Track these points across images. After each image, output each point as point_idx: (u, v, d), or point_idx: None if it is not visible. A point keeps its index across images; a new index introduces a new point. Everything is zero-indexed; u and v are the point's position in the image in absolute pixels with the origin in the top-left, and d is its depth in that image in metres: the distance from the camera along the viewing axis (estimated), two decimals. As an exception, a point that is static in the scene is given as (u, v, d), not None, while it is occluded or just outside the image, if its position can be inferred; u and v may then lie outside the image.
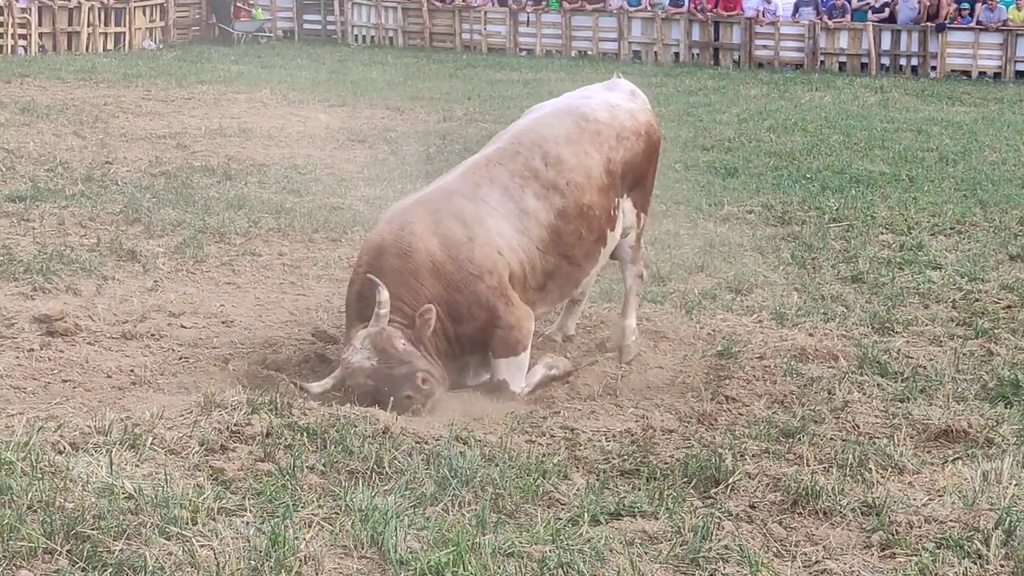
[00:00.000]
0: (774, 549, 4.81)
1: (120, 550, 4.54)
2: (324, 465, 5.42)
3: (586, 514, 5.01)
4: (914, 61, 26.81)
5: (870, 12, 27.30)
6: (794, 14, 27.87)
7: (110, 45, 28.25)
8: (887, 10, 27.26)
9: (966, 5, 26.62)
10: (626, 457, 5.68)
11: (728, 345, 7.44)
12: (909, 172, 13.78)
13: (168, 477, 5.13)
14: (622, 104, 7.43)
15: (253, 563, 4.47)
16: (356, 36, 31.98)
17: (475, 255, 6.61)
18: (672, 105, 20.15)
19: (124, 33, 28.76)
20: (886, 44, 27.03)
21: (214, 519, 4.81)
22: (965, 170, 14.07)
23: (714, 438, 5.96)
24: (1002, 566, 4.67)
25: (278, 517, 4.77)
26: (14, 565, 4.43)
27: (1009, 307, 8.45)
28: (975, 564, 4.66)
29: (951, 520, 5.02)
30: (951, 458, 5.77)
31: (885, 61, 27.01)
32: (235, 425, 5.77)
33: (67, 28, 27.59)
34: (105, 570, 4.40)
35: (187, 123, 16.37)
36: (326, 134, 15.65)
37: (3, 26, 26.03)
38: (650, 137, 7.43)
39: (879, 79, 25.31)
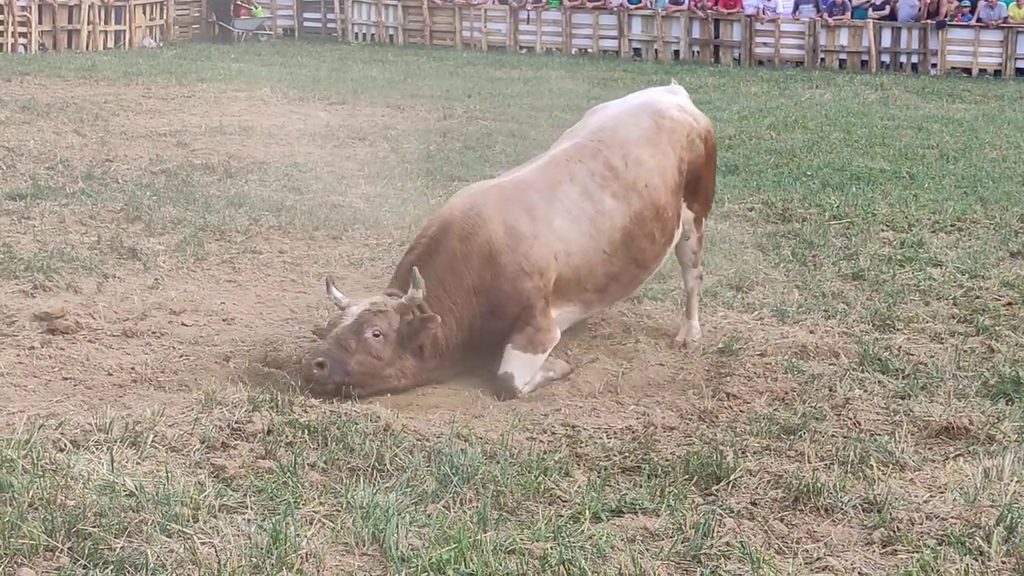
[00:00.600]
0: (775, 546, 4.81)
1: (121, 548, 4.55)
2: (325, 462, 5.42)
3: (587, 511, 5.01)
4: (914, 58, 26.81)
5: (870, 9, 27.29)
6: (794, 11, 27.87)
7: (110, 43, 28.24)
8: (887, 7, 27.26)
9: (966, 2, 26.63)
10: (627, 454, 5.69)
11: (729, 342, 7.44)
12: (910, 169, 13.78)
13: (169, 475, 5.14)
14: (687, 107, 7.63)
15: (254, 560, 4.47)
16: (356, 34, 31.98)
17: (533, 252, 6.73)
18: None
19: (124, 31, 28.76)
20: (886, 41, 27.03)
21: (215, 516, 4.81)
22: (965, 167, 14.07)
23: (715, 435, 5.96)
24: (1003, 563, 4.68)
25: (279, 514, 4.77)
26: (15, 563, 4.44)
27: (1010, 304, 8.45)
28: (976, 561, 4.66)
29: (952, 517, 5.02)
30: (952, 455, 5.77)
31: (885, 58, 27.00)
32: (236, 422, 5.78)
33: (67, 26, 27.58)
34: (106, 568, 4.40)
35: (187, 121, 16.37)
36: (326, 132, 15.65)
37: (3, 24, 26.02)
38: (708, 142, 7.61)
39: (879, 76, 25.31)
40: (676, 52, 28.54)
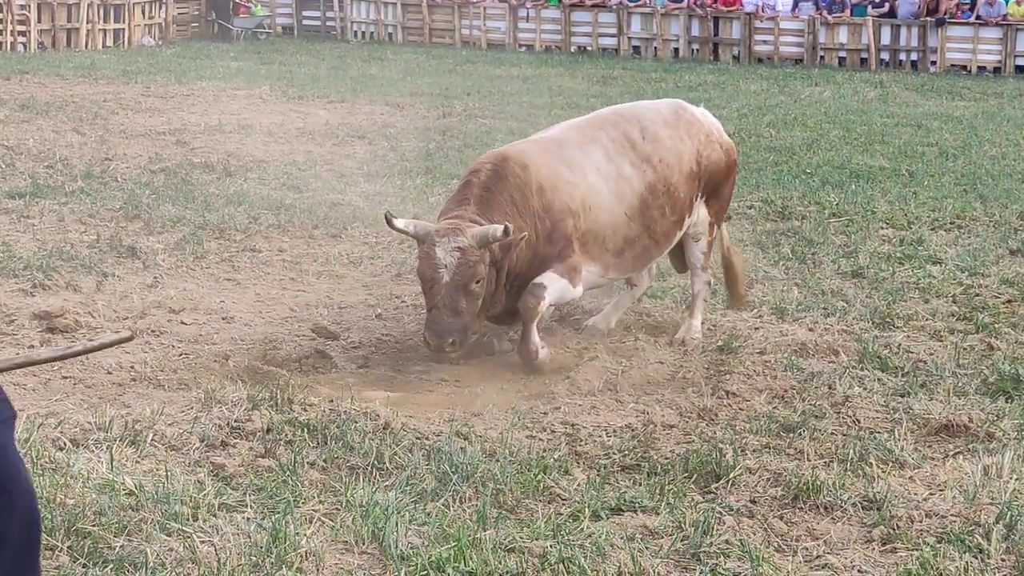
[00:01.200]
0: (775, 544, 4.81)
1: (121, 546, 4.55)
2: (325, 461, 5.42)
3: (587, 509, 5.01)
4: (914, 56, 26.78)
5: (870, 7, 27.27)
6: (794, 9, 27.85)
7: (109, 42, 28.23)
8: (887, 5, 27.24)
9: (966, 0, 26.61)
10: (627, 452, 5.69)
11: (729, 340, 7.44)
12: (909, 167, 13.77)
13: (169, 473, 5.14)
14: (711, 119, 7.89)
15: (254, 559, 4.47)
16: (355, 32, 31.96)
17: (574, 195, 7.03)
18: (672, 100, 20.10)
19: (123, 30, 28.75)
20: (886, 39, 27.01)
21: (215, 515, 4.82)
22: (965, 165, 14.06)
23: (715, 433, 5.96)
24: (1003, 560, 4.68)
25: (279, 513, 4.77)
26: (15, 561, 4.43)
27: (1009, 302, 8.45)
28: (976, 558, 4.66)
29: (952, 514, 5.02)
30: (952, 453, 5.77)
31: (885, 56, 26.98)
32: (235, 421, 5.78)
33: (66, 25, 27.56)
34: (106, 566, 4.40)
35: (187, 119, 16.36)
36: (326, 130, 15.64)
37: (2, 23, 26.01)
38: (729, 155, 7.83)
39: (879, 74, 25.30)
40: (675, 50, 28.51)
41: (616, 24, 29.00)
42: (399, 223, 6.85)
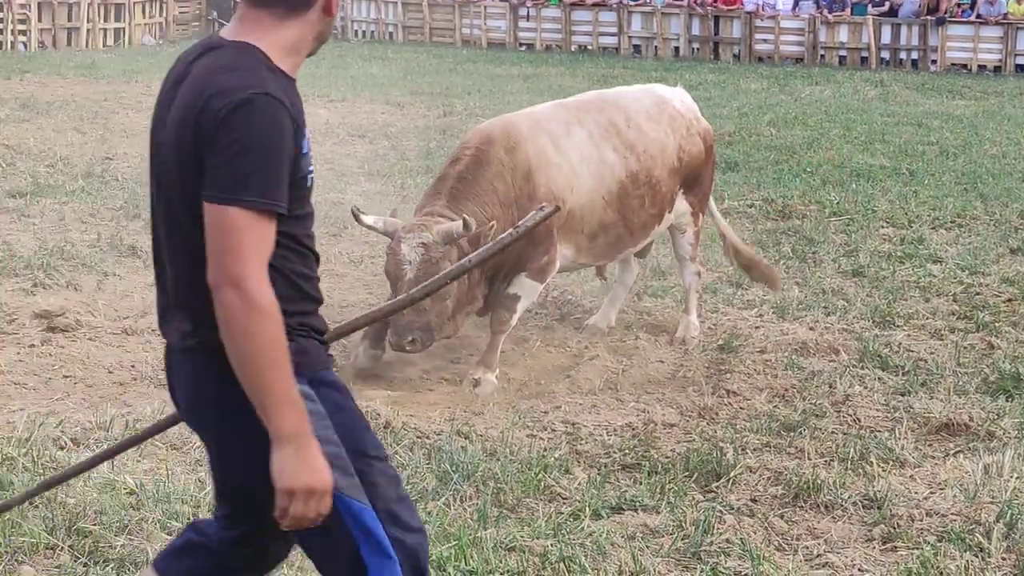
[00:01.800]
0: (775, 543, 4.81)
1: (122, 545, 4.55)
2: (325, 460, 5.42)
3: (587, 508, 5.01)
4: (914, 55, 26.79)
5: (870, 6, 27.28)
6: (794, 8, 27.86)
7: (110, 41, 28.25)
8: (887, 3, 27.25)
9: (966, -1, 26.63)
10: (627, 451, 5.69)
11: (729, 339, 7.44)
12: (909, 166, 13.77)
13: (169, 472, 5.14)
14: (689, 105, 7.81)
15: (255, 558, 4.46)
16: (356, 31, 31.96)
17: (557, 180, 6.92)
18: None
19: (124, 29, 28.77)
20: (886, 38, 27.01)
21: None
22: (965, 164, 14.06)
23: (715, 432, 5.96)
24: (1003, 559, 4.68)
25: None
26: (16, 560, 4.44)
27: (1010, 300, 8.45)
28: (976, 557, 4.66)
29: (952, 513, 5.03)
30: (952, 451, 5.77)
31: (885, 55, 26.98)
32: (236, 420, 5.77)
33: (67, 24, 27.58)
34: (107, 565, 4.41)
35: (187, 119, 16.34)
36: (326, 129, 15.63)
37: (3, 22, 26.02)
38: (707, 142, 7.76)
39: (879, 73, 25.29)
40: (676, 49, 28.51)
41: (616, 23, 29.00)
42: (367, 220, 6.74)
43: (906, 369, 6.95)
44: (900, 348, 7.33)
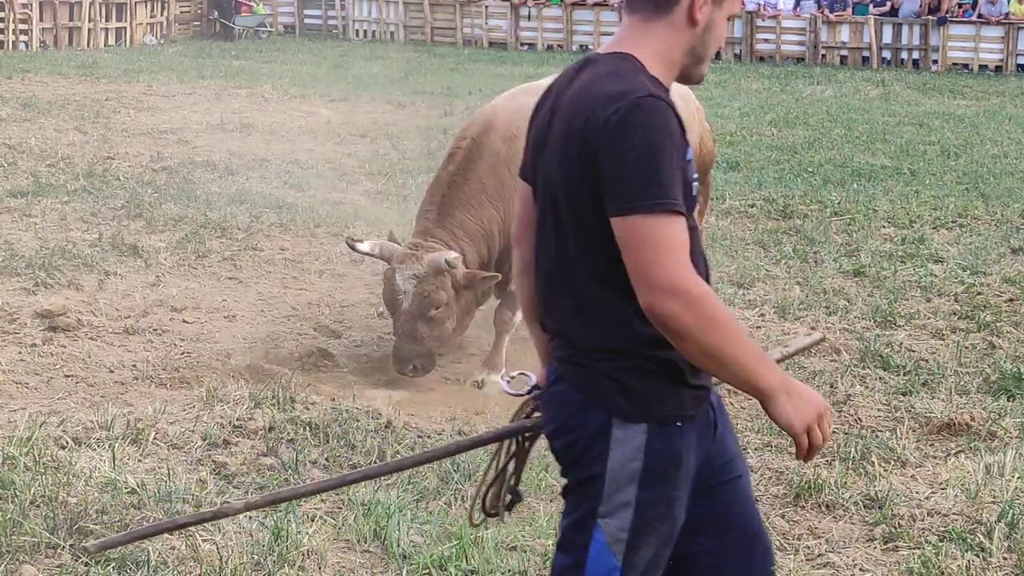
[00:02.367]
0: (776, 542, 4.80)
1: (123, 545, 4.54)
2: (327, 459, 5.43)
3: (589, 508, 5.00)
4: (915, 55, 26.78)
5: (871, 6, 27.28)
6: (795, 8, 27.85)
7: (111, 40, 28.24)
8: (888, 3, 27.24)
9: (967, -2, 26.63)
10: (628, 451, 5.67)
11: (730, 339, 7.42)
12: (911, 166, 13.77)
13: (171, 472, 5.14)
14: (694, 104, 7.75)
15: (256, 557, 4.47)
16: (357, 31, 31.96)
17: None
18: (673, 99, 20.09)
19: (125, 28, 28.75)
20: (887, 38, 27.00)
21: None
22: (967, 164, 14.05)
23: (716, 432, 5.95)
24: (1005, 559, 4.68)
25: (281, 511, 4.77)
26: (17, 560, 4.44)
27: (1011, 300, 8.44)
28: (978, 557, 4.66)
29: (954, 513, 5.02)
30: (954, 451, 5.77)
31: (886, 55, 26.97)
32: (237, 420, 5.78)
33: (68, 23, 27.57)
34: (108, 565, 4.40)
35: (188, 118, 16.36)
36: (327, 129, 15.64)
37: (4, 21, 26.02)
38: (712, 143, 7.87)
39: (880, 72, 25.29)
40: (677, 48, 28.50)
41: (618, 23, 28.97)
42: (363, 247, 6.69)
43: (907, 369, 6.94)
44: (901, 348, 7.33)
